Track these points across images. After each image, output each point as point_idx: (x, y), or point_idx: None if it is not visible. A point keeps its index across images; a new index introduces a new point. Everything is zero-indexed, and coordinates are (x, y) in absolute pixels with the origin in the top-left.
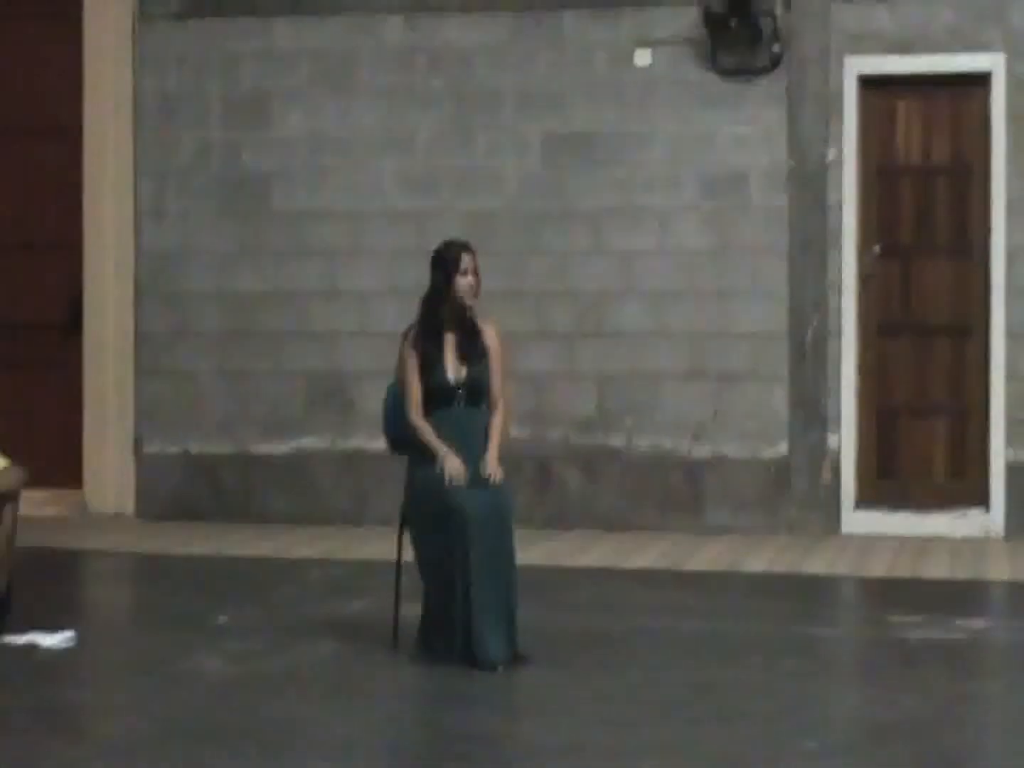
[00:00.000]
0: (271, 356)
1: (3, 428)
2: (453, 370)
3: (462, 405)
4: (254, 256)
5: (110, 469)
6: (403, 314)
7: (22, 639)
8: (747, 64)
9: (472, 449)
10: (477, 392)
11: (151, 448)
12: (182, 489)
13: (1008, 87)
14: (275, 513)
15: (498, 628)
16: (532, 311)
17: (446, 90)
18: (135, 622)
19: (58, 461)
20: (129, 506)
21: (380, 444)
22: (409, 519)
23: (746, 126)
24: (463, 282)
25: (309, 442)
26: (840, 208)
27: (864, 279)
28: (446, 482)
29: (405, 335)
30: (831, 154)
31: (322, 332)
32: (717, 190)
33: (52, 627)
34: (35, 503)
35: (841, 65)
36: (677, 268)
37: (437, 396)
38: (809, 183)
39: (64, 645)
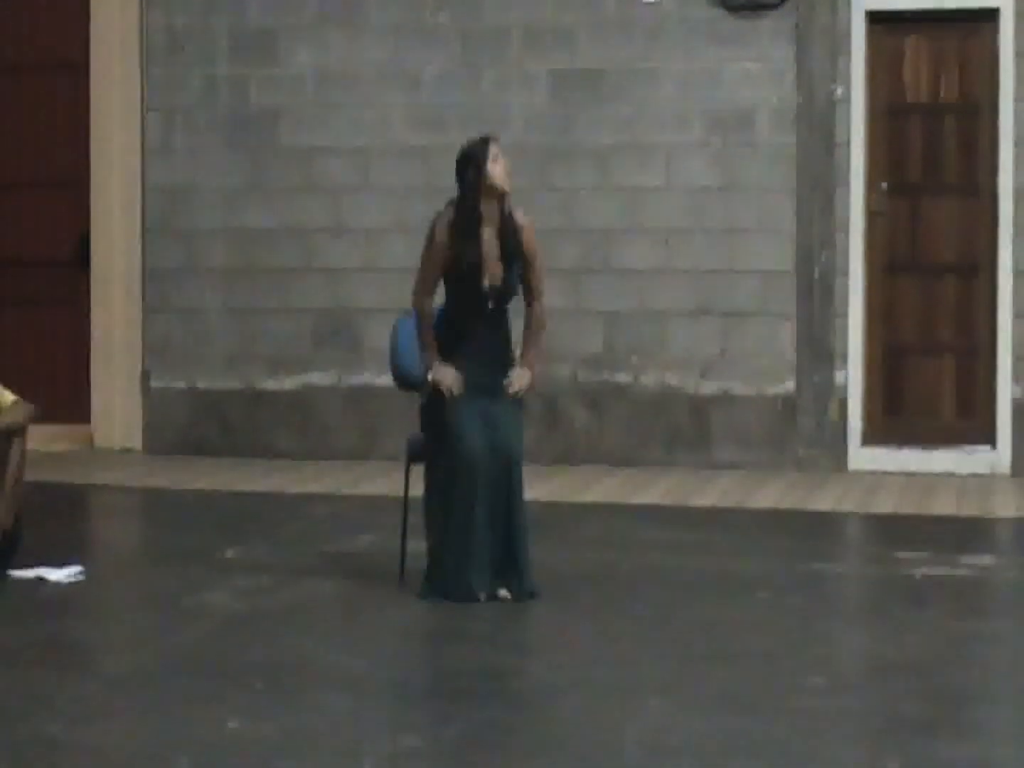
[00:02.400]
0: (278, 292)
1: (12, 364)
2: (490, 275)
3: (490, 308)
4: (261, 192)
5: (117, 405)
6: (410, 250)
7: (30, 573)
8: None
9: (493, 362)
10: (507, 297)
11: (158, 384)
12: (189, 425)
13: (1017, 24)
14: (282, 449)
15: (485, 563)
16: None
17: (453, 26)
18: (142, 557)
19: (66, 397)
20: (136, 441)
21: (387, 380)
22: (425, 459)
23: (754, 63)
24: (496, 169)
25: (316, 378)
26: (848, 146)
27: (871, 217)
28: (445, 393)
29: (435, 221)
30: (839, 91)
31: (329, 268)
32: (725, 127)
33: (60, 562)
34: (43, 438)
35: (849, 1)
36: (684, 205)
37: (469, 300)
38: (817, 121)
39: (72, 580)
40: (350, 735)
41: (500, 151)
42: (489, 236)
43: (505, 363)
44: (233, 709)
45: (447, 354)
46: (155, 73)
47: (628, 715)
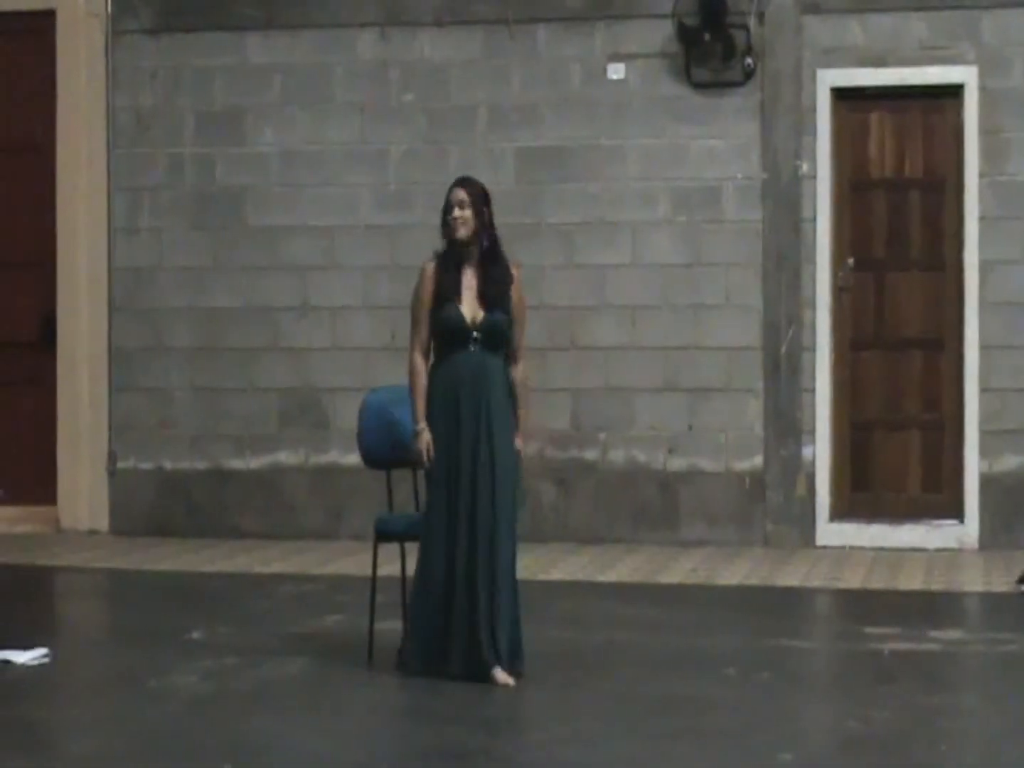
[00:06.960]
0: (244, 372)
1: None
2: (469, 310)
3: (477, 350)
4: (227, 271)
5: (84, 486)
6: (376, 329)
7: None
8: (721, 77)
9: (483, 403)
10: (495, 339)
11: (125, 464)
12: (156, 505)
13: (981, 100)
14: (249, 529)
15: (459, 641)
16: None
17: (419, 105)
18: (109, 639)
19: (32, 478)
20: (103, 522)
21: (354, 459)
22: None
23: (720, 139)
24: (449, 219)
25: (283, 457)
26: (814, 222)
27: (838, 292)
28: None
29: (423, 268)
30: (804, 167)
31: (295, 348)
32: (691, 204)
33: (26, 644)
34: (9, 520)
35: (814, 78)
36: (651, 282)
37: (450, 337)
38: (783, 197)
39: (38, 662)
40: None
41: (456, 199)
42: (470, 274)
43: (499, 419)
44: None
45: (432, 403)
46: (121, 153)
47: None
